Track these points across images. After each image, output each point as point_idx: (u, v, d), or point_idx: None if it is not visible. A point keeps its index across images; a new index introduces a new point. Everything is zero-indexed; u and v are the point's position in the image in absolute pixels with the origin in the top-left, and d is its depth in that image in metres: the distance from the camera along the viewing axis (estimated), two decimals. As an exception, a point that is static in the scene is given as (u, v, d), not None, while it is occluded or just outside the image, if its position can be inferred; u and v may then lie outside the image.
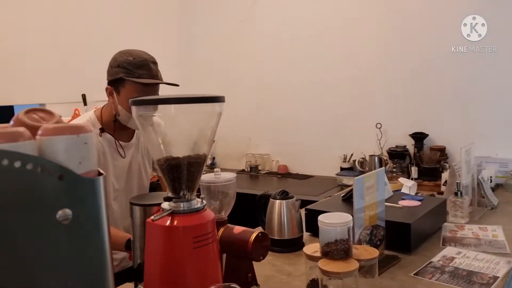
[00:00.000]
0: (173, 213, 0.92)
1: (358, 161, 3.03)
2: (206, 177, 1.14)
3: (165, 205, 0.94)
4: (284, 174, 3.43)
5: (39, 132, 0.55)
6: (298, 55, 3.37)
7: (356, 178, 1.25)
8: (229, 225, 1.15)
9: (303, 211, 1.67)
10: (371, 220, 1.36)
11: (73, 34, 3.02)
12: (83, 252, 0.55)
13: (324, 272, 1.04)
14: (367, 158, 3.00)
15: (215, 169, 1.15)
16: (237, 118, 3.76)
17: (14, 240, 0.50)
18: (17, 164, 0.49)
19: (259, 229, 1.11)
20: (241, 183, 3.30)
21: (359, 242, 1.29)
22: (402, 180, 1.72)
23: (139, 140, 1.72)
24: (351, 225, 1.12)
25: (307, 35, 3.31)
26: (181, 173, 0.92)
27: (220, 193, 1.15)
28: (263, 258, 1.10)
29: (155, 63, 1.53)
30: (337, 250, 1.08)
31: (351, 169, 3.09)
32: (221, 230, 1.13)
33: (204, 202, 0.97)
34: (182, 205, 0.93)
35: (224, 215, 1.16)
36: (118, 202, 1.66)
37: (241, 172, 3.63)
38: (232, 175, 1.16)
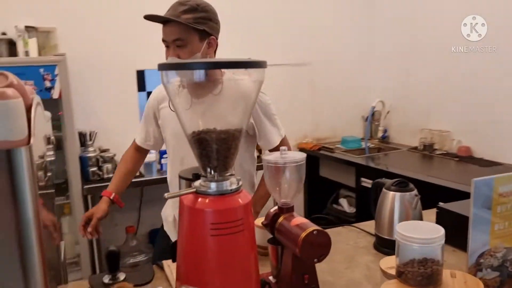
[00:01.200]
0: (197, 193, 0.82)
1: None
2: (270, 156, 0.99)
3: (197, 183, 0.85)
4: (464, 158, 2.84)
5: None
6: (492, 16, 2.65)
7: (475, 180, 0.89)
8: (293, 213, 0.99)
9: (433, 210, 1.33)
10: (507, 239, 0.97)
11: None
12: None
13: (384, 298, 0.78)
14: None
15: (282, 147, 0.98)
16: (418, 86, 3.28)
17: None
18: None
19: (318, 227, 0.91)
20: (408, 163, 2.91)
21: (478, 267, 0.94)
22: None
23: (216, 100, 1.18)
24: (442, 242, 0.81)
25: None
26: (206, 150, 0.81)
27: (287, 176, 0.98)
28: (318, 261, 0.90)
29: (184, 4, 1.30)
30: (413, 273, 0.80)
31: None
32: (281, 218, 0.98)
33: (240, 183, 0.84)
34: (210, 185, 0.82)
35: (291, 200, 1.00)
36: None
37: (412, 149, 3.19)
38: (301, 155, 0.97)
